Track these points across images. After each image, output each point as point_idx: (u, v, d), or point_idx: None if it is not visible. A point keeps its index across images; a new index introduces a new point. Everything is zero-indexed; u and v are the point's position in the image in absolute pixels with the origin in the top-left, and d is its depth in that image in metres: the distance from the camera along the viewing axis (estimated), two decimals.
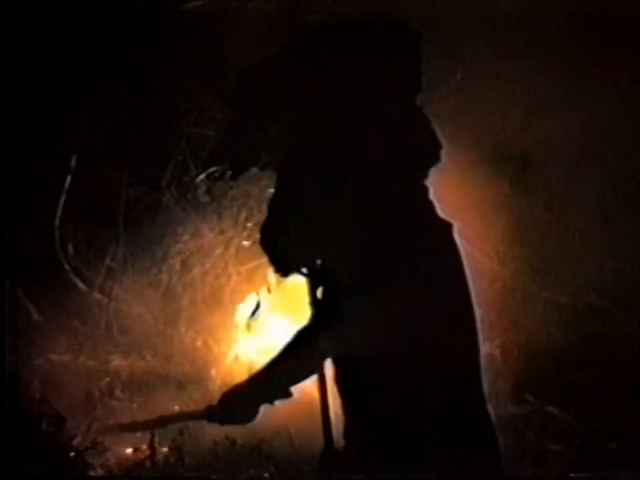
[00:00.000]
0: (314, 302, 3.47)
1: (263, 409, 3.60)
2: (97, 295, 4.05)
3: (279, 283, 3.87)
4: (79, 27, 3.88)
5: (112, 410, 3.96)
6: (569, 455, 3.82)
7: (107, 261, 4.06)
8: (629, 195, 3.88)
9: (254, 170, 3.72)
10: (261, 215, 4.16)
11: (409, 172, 3.33)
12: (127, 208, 4.06)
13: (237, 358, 4.09)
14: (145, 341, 4.04)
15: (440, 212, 3.84)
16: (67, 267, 4.03)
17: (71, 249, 4.04)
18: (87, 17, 3.87)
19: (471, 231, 3.96)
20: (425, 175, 3.33)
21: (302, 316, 3.86)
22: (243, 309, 4.12)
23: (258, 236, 3.83)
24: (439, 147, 3.39)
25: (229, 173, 3.73)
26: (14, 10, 3.78)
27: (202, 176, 3.77)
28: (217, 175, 3.79)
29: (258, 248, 4.18)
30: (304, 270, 3.47)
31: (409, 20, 3.46)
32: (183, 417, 3.80)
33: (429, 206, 3.33)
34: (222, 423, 3.59)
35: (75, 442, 3.90)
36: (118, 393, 3.98)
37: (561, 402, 3.88)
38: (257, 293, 4.12)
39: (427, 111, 3.44)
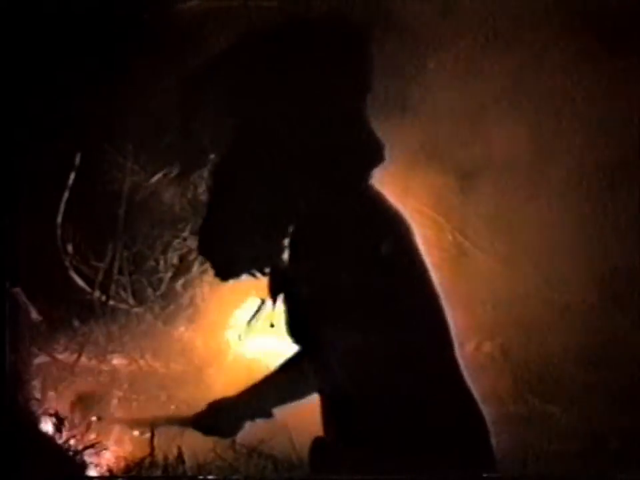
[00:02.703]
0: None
1: (247, 425, 3.49)
2: (97, 294, 4.05)
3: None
4: (80, 26, 3.87)
5: (111, 409, 3.96)
6: (569, 455, 3.81)
7: (107, 259, 4.06)
8: (630, 194, 3.88)
9: (204, 171, 3.75)
10: None
11: (352, 172, 3.28)
12: (127, 207, 4.05)
13: (236, 358, 4.10)
14: (144, 340, 4.04)
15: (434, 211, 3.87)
16: (67, 265, 4.03)
17: (71, 247, 4.03)
18: (87, 15, 3.86)
19: (471, 230, 3.96)
20: (369, 174, 3.28)
21: None
22: (245, 311, 4.12)
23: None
24: (381, 145, 3.33)
25: (178, 175, 3.76)
26: (14, 9, 3.77)
27: (154, 179, 3.80)
28: (167, 177, 3.82)
29: None
30: (245, 276, 3.46)
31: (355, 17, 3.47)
32: (172, 420, 3.77)
33: (376, 201, 3.26)
34: (206, 433, 3.57)
35: (75, 441, 3.89)
36: (118, 392, 3.97)
37: (561, 402, 3.88)
38: (258, 295, 4.13)
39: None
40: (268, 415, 3.44)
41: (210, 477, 3.79)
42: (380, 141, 3.26)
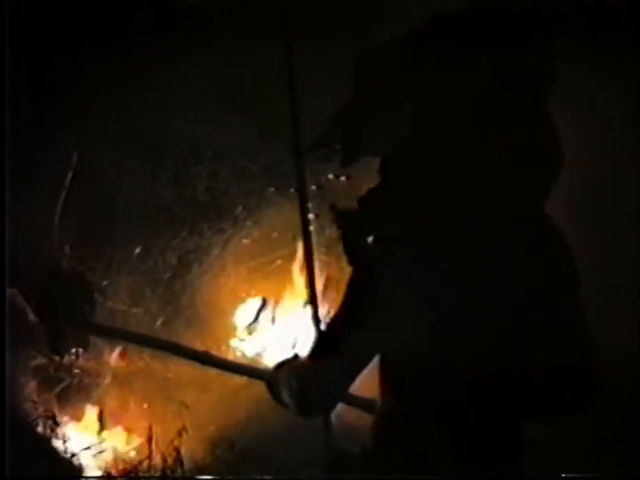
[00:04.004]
0: None
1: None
2: (96, 295, 4.03)
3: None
4: (79, 23, 3.85)
5: (111, 409, 3.95)
6: (568, 455, 3.80)
7: (105, 260, 4.04)
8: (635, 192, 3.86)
9: (364, 158, 3.50)
10: (260, 213, 4.16)
11: (525, 181, 2.89)
12: (126, 207, 4.04)
13: (236, 358, 4.08)
14: None
15: None
16: (65, 266, 4.01)
17: (68, 248, 4.01)
18: (87, 13, 3.85)
19: None
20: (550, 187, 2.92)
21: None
22: (244, 312, 4.12)
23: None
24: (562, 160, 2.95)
25: (339, 156, 3.45)
26: (13, 5, 3.75)
27: (312, 156, 3.57)
28: (327, 156, 3.53)
29: (257, 247, 4.18)
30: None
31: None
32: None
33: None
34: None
35: (72, 443, 3.87)
36: (117, 393, 3.96)
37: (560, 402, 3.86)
38: (258, 297, 4.12)
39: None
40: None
41: (209, 477, 3.76)
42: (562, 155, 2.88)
